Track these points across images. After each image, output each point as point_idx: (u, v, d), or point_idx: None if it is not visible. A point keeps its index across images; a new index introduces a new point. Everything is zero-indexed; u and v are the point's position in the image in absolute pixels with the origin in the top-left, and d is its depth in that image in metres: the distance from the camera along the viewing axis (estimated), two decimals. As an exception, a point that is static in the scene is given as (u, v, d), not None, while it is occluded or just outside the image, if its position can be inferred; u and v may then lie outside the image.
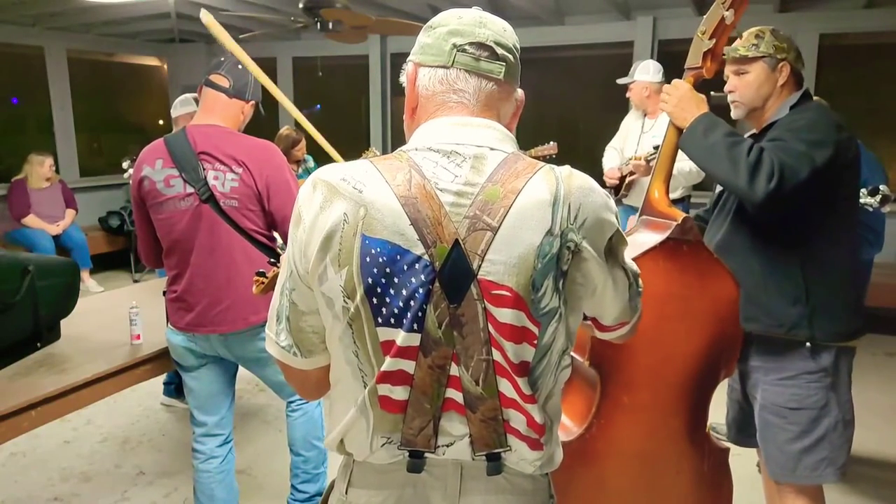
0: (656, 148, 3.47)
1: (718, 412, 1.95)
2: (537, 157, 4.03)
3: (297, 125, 3.04)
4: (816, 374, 1.70)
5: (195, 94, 3.49)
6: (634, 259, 1.08)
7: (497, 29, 0.93)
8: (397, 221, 0.85)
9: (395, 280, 0.86)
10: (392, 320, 0.88)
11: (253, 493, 2.71)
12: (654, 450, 1.71)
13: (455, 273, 0.85)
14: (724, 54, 1.71)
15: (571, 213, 0.87)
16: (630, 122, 4.03)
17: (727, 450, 1.81)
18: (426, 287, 0.86)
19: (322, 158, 4.85)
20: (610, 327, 1.07)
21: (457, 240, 0.85)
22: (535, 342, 0.89)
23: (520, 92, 0.99)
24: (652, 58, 5.55)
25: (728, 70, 1.80)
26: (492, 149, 0.90)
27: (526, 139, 4.76)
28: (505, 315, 0.87)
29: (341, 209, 0.86)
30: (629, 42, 5.62)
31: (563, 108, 6.95)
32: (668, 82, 1.76)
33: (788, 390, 1.73)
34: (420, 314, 0.86)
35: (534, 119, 6.68)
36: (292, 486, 2.42)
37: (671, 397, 1.69)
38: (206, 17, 1.87)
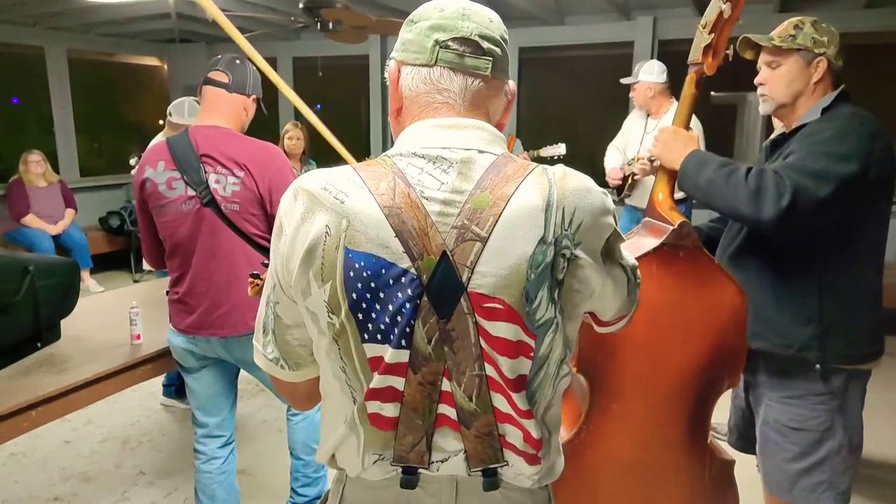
0: None
1: (720, 413, 1.94)
2: (544, 158, 4.05)
3: (298, 116, 2.99)
4: (822, 396, 1.63)
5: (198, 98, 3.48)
6: None
7: (482, 21, 0.87)
8: (381, 233, 0.81)
9: (381, 295, 0.82)
10: (379, 336, 0.84)
11: (253, 493, 2.71)
12: (648, 459, 1.67)
13: (443, 286, 0.81)
14: (726, 51, 1.64)
15: (566, 217, 0.82)
16: (633, 122, 4.02)
17: (732, 461, 1.74)
18: (413, 302, 0.81)
19: (324, 162, 4.84)
20: (609, 322, 1.03)
21: (444, 251, 0.81)
22: (532, 354, 0.85)
23: (511, 84, 0.94)
24: (652, 58, 5.55)
25: (761, 61, 1.69)
26: (480, 151, 0.85)
27: (526, 139, 4.76)
28: (499, 329, 0.83)
29: (323, 221, 0.82)
30: (629, 42, 5.61)
31: (563, 108, 6.95)
32: (671, 83, 1.71)
33: (792, 409, 1.66)
34: (408, 330, 0.82)
35: (534, 119, 6.68)
36: (292, 490, 2.42)
37: (666, 407, 1.64)
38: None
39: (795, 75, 1.63)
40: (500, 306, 0.82)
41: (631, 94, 3.90)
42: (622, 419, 1.64)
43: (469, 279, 0.81)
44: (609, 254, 0.90)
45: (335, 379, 0.89)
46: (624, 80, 3.90)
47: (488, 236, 0.81)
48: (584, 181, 0.87)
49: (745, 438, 1.90)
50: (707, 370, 1.62)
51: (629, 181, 3.82)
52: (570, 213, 0.83)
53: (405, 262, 0.81)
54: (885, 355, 1.67)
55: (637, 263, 1.01)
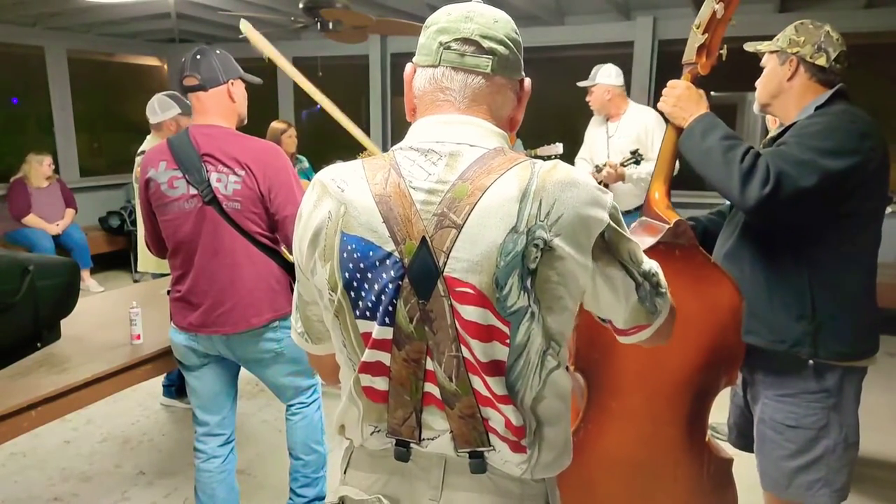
0: (633, 153, 3.53)
1: (719, 413, 1.95)
2: (541, 157, 4.10)
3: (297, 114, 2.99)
4: (818, 394, 1.64)
5: (172, 93, 3.48)
6: None
7: (485, 21, 0.92)
8: (371, 219, 0.88)
9: (369, 275, 0.89)
10: (368, 314, 0.91)
11: (253, 493, 2.71)
12: (647, 457, 1.67)
13: (422, 269, 0.87)
14: (720, 51, 1.65)
15: (543, 209, 0.85)
16: (594, 130, 4.06)
17: (730, 460, 1.75)
18: (396, 283, 0.88)
19: (318, 157, 4.84)
20: (625, 331, 1.02)
21: (424, 237, 0.86)
22: (508, 341, 0.88)
23: (527, 81, 0.98)
24: (652, 58, 5.56)
25: None
26: (471, 145, 0.90)
27: (527, 139, 4.76)
28: (470, 313, 0.87)
29: (327, 207, 0.91)
30: (629, 42, 5.61)
31: (563, 108, 6.94)
32: (663, 84, 1.71)
33: (787, 407, 1.68)
34: (391, 308, 0.89)
35: (534, 119, 6.68)
36: (291, 490, 2.41)
37: (664, 405, 1.64)
38: (244, 25, 1.87)
39: (770, 76, 1.69)
40: (471, 291, 0.86)
41: (588, 99, 3.92)
42: (620, 417, 1.64)
43: (445, 264, 0.86)
44: (606, 251, 0.90)
45: (340, 353, 0.98)
46: (581, 84, 3.92)
47: (463, 223, 0.85)
48: (574, 175, 0.88)
49: (744, 437, 1.91)
50: (705, 368, 1.63)
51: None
52: (549, 205, 0.85)
53: (390, 246, 0.88)
54: (886, 355, 1.68)
55: (658, 270, 1.00)
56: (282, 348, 2.09)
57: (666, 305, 1.01)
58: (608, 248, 0.90)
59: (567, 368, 1.31)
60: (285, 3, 5.08)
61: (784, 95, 1.68)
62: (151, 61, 7.87)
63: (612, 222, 0.90)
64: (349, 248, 0.89)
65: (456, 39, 0.90)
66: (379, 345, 0.91)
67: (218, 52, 2.03)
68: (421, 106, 0.96)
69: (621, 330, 1.02)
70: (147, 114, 3.42)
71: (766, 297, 1.65)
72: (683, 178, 1.77)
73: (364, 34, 4.47)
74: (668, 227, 1.58)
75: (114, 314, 2.64)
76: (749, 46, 1.75)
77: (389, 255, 0.87)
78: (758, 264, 1.67)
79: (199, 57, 1.99)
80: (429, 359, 0.91)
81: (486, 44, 0.91)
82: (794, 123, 1.62)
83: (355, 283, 0.90)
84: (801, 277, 1.61)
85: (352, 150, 2.92)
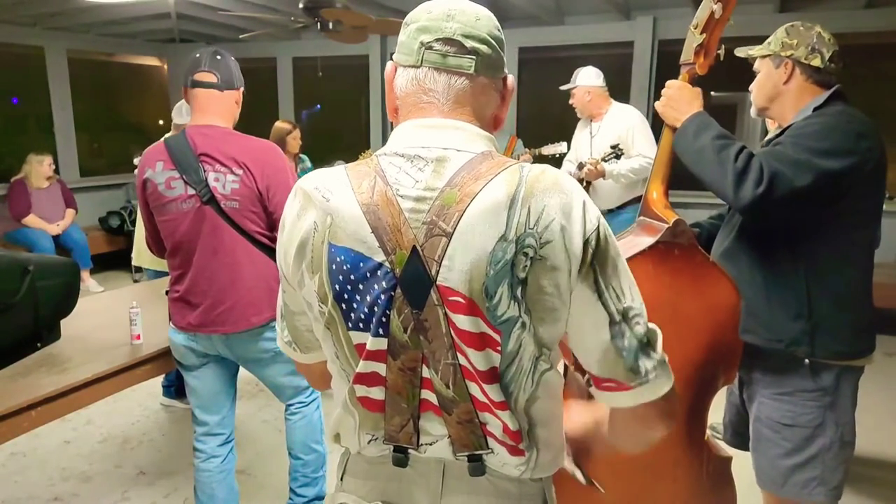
0: (613, 147, 3.56)
1: (718, 413, 1.95)
2: (545, 156, 4.14)
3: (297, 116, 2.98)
4: (814, 393, 1.65)
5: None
6: None
7: (466, 20, 0.88)
8: (359, 229, 0.85)
9: (360, 287, 0.87)
10: (360, 325, 0.89)
11: (253, 493, 2.71)
12: (647, 456, 1.67)
13: (415, 279, 0.84)
14: (717, 51, 1.64)
15: (532, 215, 0.82)
16: (579, 132, 4.09)
17: (729, 458, 1.75)
18: (388, 293, 0.85)
19: (318, 157, 4.83)
20: (598, 380, 0.90)
21: (415, 246, 0.84)
22: (499, 349, 0.86)
23: (510, 78, 0.96)
24: (652, 58, 5.56)
25: None
26: (458, 150, 0.87)
27: (527, 139, 4.77)
28: (462, 321, 0.85)
29: (312, 218, 0.88)
30: (629, 42, 5.61)
31: (563, 107, 6.94)
32: (663, 84, 1.71)
33: (784, 406, 1.69)
34: (384, 319, 0.87)
35: (534, 119, 6.69)
36: (291, 490, 2.42)
37: None
38: None
39: (765, 80, 1.70)
40: (461, 300, 0.84)
41: (571, 102, 3.95)
42: None
43: (437, 273, 0.84)
44: (590, 263, 0.84)
45: (333, 363, 0.96)
46: (563, 87, 3.95)
47: (453, 232, 0.83)
48: (561, 181, 0.85)
49: (740, 435, 1.92)
50: (704, 367, 1.63)
51: (583, 184, 3.86)
52: (538, 212, 0.82)
53: (380, 256, 0.85)
54: (885, 355, 1.68)
55: (641, 310, 0.88)
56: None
57: (658, 376, 0.87)
58: (594, 259, 0.84)
59: (566, 368, 1.31)
60: (285, 3, 5.08)
61: (781, 98, 1.68)
62: (151, 61, 7.87)
63: (600, 233, 0.85)
64: (338, 259, 0.86)
65: (438, 39, 0.87)
66: (374, 356, 0.89)
67: (232, 57, 2.06)
68: (403, 108, 0.93)
69: (596, 377, 0.91)
70: (174, 115, 3.41)
71: (763, 297, 1.66)
72: (682, 178, 1.77)
73: (364, 34, 4.48)
74: (666, 226, 1.58)
75: (114, 314, 2.64)
76: (740, 52, 1.75)
77: (380, 265, 0.85)
78: (755, 264, 1.68)
79: (219, 57, 2.00)
80: (425, 367, 0.89)
81: (469, 43, 0.88)
82: (792, 125, 1.62)
83: (346, 295, 0.87)
84: (798, 277, 1.62)
85: (353, 150, 2.93)
